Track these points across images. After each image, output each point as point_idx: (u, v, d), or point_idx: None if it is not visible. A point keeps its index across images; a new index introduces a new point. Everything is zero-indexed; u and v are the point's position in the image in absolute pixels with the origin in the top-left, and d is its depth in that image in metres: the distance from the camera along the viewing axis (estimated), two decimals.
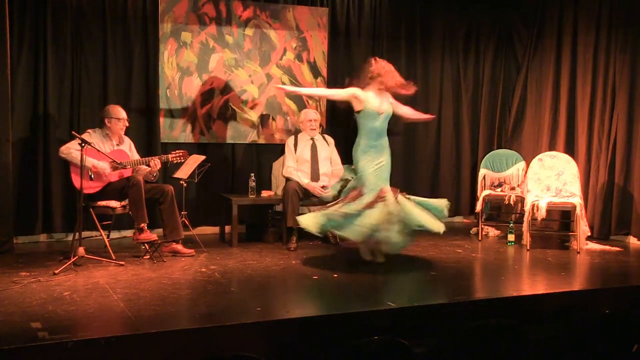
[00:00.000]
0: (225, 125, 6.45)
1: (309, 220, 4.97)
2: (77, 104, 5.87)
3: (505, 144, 7.39)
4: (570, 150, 6.64)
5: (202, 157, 5.74)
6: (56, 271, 4.53)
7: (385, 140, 5.16)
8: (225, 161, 6.52)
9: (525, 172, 6.48)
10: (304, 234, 5.74)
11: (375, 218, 4.81)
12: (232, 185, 6.53)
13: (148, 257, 5.10)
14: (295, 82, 6.66)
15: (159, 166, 5.34)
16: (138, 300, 3.89)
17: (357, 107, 5.09)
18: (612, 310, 3.38)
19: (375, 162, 5.05)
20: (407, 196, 5.14)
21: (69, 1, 5.77)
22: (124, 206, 5.30)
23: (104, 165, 5.14)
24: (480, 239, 6.36)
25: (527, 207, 5.92)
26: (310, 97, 6.57)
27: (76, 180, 5.06)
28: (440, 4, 7.27)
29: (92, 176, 5.12)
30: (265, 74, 6.56)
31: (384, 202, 4.88)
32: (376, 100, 5.08)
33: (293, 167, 5.91)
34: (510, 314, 3.96)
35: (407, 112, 5.44)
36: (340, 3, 6.82)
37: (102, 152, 5.08)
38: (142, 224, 5.12)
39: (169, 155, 5.44)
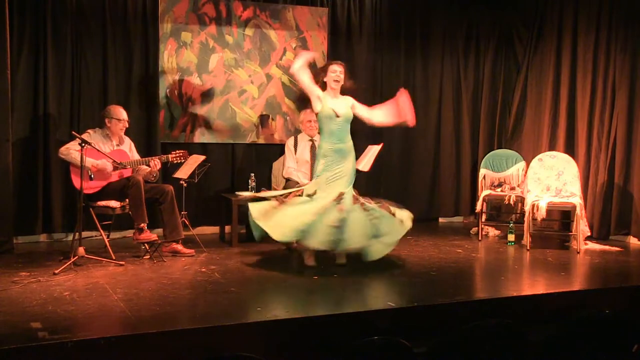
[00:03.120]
0: (225, 125, 6.45)
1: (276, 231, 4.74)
2: (77, 104, 5.87)
3: (505, 144, 7.39)
4: (570, 150, 6.64)
5: (202, 157, 5.74)
6: (56, 271, 4.53)
7: (347, 145, 4.99)
8: (225, 161, 6.52)
9: (525, 172, 6.48)
10: None
11: (330, 220, 4.70)
12: (232, 185, 6.54)
13: (148, 257, 5.10)
14: (295, 82, 6.65)
15: (159, 166, 5.34)
16: (138, 300, 3.89)
17: (316, 108, 4.96)
18: (612, 310, 3.38)
19: (334, 167, 4.91)
20: (368, 205, 4.94)
21: (69, 1, 5.77)
22: (123, 206, 5.30)
23: (104, 163, 5.13)
24: (480, 239, 6.36)
25: (527, 207, 5.92)
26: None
27: (76, 181, 5.06)
28: (440, 4, 7.28)
29: (92, 176, 5.12)
30: (265, 74, 6.56)
31: (339, 205, 4.77)
32: (332, 102, 4.96)
33: (293, 167, 5.92)
34: (510, 314, 3.96)
35: (375, 116, 5.08)
36: (341, 3, 6.82)
37: (102, 152, 5.08)
38: (142, 224, 5.12)
39: (169, 156, 5.44)
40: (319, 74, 5.06)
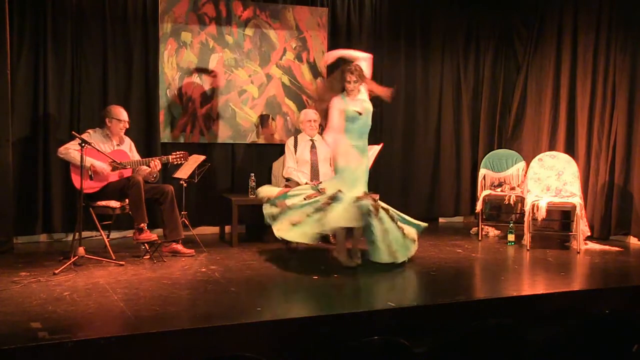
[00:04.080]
0: (225, 125, 6.45)
1: (296, 234, 4.89)
2: (77, 104, 5.88)
3: (505, 144, 7.39)
4: (570, 150, 6.64)
5: (202, 157, 5.74)
6: (56, 271, 4.52)
7: (366, 142, 5.12)
8: (225, 161, 6.52)
9: (525, 172, 6.48)
10: None
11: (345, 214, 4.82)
12: (232, 185, 6.54)
13: (148, 257, 5.10)
14: (295, 82, 6.67)
15: (159, 167, 5.33)
16: (138, 300, 3.89)
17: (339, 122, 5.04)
18: (612, 310, 3.38)
19: (355, 163, 5.02)
20: (385, 207, 5.06)
21: (69, 1, 5.77)
22: (123, 206, 5.30)
23: (102, 165, 5.13)
24: (480, 239, 6.36)
25: (527, 207, 5.92)
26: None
27: (76, 180, 5.06)
28: (440, 5, 7.28)
29: (92, 176, 5.12)
30: (265, 74, 6.56)
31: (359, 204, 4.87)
32: (352, 101, 5.03)
33: (293, 167, 5.92)
34: (510, 314, 3.96)
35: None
36: (340, 3, 6.82)
37: (102, 152, 5.08)
38: (142, 224, 5.12)
39: (169, 157, 5.44)
40: (334, 82, 5.11)
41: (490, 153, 6.88)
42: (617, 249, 5.89)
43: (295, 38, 6.66)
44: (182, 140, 6.29)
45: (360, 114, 5.01)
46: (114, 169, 5.22)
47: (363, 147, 5.10)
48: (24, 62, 5.64)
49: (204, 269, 4.82)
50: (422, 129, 7.31)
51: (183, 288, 4.26)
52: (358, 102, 5.05)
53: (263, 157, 6.61)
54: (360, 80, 5.03)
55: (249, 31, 6.48)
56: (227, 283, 4.43)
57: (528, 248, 5.81)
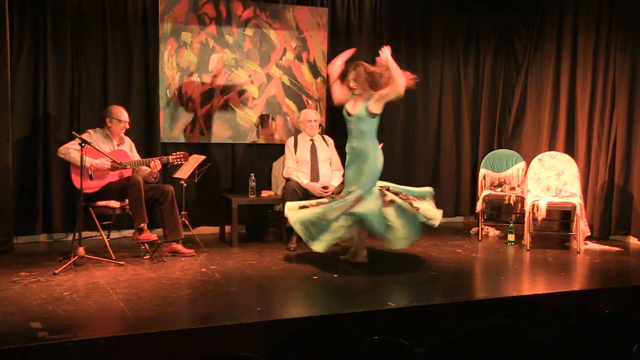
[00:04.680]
0: (225, 125, 6.45)
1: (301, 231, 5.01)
2: (77, 104, 5.88)
3: (505, 144, 7.39)
4: (570, 150, 6.64)
5: (202, 157, 5.74)
6: (56, 271, 4.53)
7: (365, 145, 5.04)
8: (225, 161, 6.52)
9: (525, 172, 6.48)
10: None
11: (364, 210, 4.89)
12: (232, 185, 6.54)
13: (148, 257, 5.10)
14: (295, 82, 6.67)
15: (159, 167, 5.33)
16: (138, 300, 3.89)
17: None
18: (612, 310, 3.38)
19: (353, 165, 5.10)
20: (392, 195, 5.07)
21: (69, 1, 5.77)
22: (123, 206, 5.30)
23: (102, 161, 5.13)
24: (480, 239, 6.36)
25: (527, 207, 5.92)
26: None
27: (76, 180, 5.06)
28: (440, 4, 7.28)
29: (92, 176, 5.12)
30: (265, 74, 6.56)
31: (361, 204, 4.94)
32: (351, 102, 5.14)
33: (293, 167, 5.91)
34: (510, 314, 3.96)
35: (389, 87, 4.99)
36: (340, 3, 6.83)
37: (102, 152, 5.08)
38: (142, 224, 5.12)
39: (170, 157, 5.44)
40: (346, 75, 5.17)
41: (490, 153, 6.88)
42: (617, 249, 5.89)
43: (295, 38, 6.66)
44: (182, 140, 6.29)
45: (349, 115, 5.10)
46: (114, 169, 5.22)
47: (359, 149, 5.06)
48: (24, 62, 5.64)
49: (204, 269, 4.82)
50: (422, 129, 7.31)
51: (183, 288, 4.26)
52: (357, 104, 5.09)
53: (263, 157, 6.62)
54: (358, 81, 5.05)
55: (249, 31, 6.48)
56: (227, 283, 4.43)
57: (528, 248, 5.81)
